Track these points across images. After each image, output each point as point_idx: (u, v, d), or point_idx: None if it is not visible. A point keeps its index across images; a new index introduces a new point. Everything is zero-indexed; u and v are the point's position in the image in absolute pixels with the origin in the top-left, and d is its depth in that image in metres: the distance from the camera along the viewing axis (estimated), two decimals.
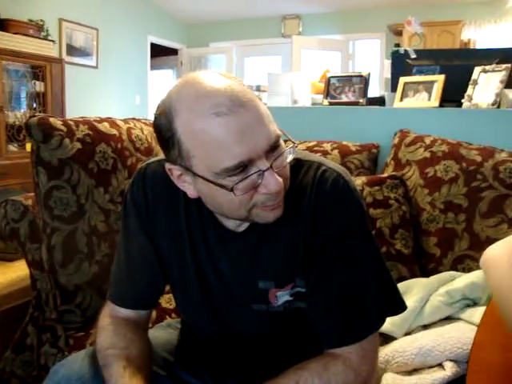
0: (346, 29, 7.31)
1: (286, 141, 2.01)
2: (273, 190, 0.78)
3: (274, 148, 0.79)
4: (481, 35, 6.52)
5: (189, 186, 0.86)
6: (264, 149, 0.77)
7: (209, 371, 1.07)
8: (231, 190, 0.77)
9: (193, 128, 0.76)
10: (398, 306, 0.93)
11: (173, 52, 8.47)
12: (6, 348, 1.55)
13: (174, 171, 0.85)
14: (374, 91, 2.48)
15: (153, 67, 7.81)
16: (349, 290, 0.88)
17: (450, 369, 1.14)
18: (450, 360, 1.17)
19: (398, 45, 6.37)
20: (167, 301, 1.57)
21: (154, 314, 1.51)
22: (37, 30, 4.75)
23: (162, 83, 8.62)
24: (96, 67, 6.22)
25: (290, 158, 0.83)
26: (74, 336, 1.41)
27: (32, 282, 1.54)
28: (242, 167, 0.76)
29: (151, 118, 0.98)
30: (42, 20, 4.92)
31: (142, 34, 7.28)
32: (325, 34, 7.32)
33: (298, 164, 0.93)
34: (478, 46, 6.41)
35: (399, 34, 6.58)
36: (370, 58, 7.31)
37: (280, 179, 0.79)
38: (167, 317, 1.47)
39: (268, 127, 0.78)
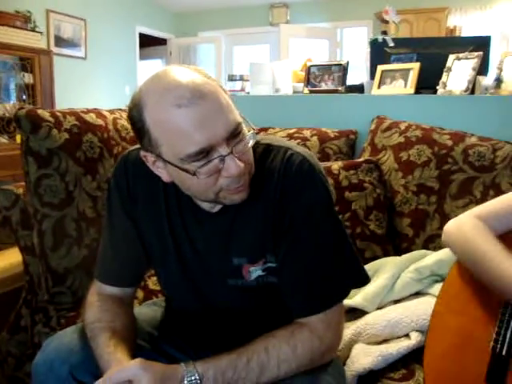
0: (334, 17, 7.35)
1: (267, 129, 2.07)
2: (234, 173, 0.86)
3: (234, 135, 0.86)
4: (466, 22, 6.58)
5: (162, 171, 0.93)
6: (223, 136, 0.84)
7: (190, 344, 1.14)
8: (194, 174, 0.85)
9: (159, 119, 0.84)
10: (361, 279, 1.01)
11: (162, 42, 8.48)
12: (1, 330, 1.63)
13: (149, 158, 0.93)
14: (361, 78, 2.53)
15: (142, 57, 7.83)
16: (314, 265, 0.96)
17: (415, 338, 1.23)
18: (416, 330, 1.26)
19: (384, 32, 6.41)
20: (154, 283, 1.66)
21: (141, 295, 1.60)
22: (24, 21, 4.76)
23: (151, 73, 8.61)
24: (85, 58, 6.24)
25: (251, 143, 0.90)
26: (66, 316, 1.49)
27: (25, 266, 1.61)
28: (204, 153, 0.84)
29: None
30: (28, 11, 4.92)
31: (131, 24, 7.29)
32: (312, 22, 7.37)
33: (267, 149, 1.00)
34: (464, 33, 6.48)
35: (386, 21, 6.59)
36: (358, 46, 7.35)
37: (241, 163, 0.86)
38: (154, 297, 1.54)
39: (227, 116, 0.85)
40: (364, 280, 1.02)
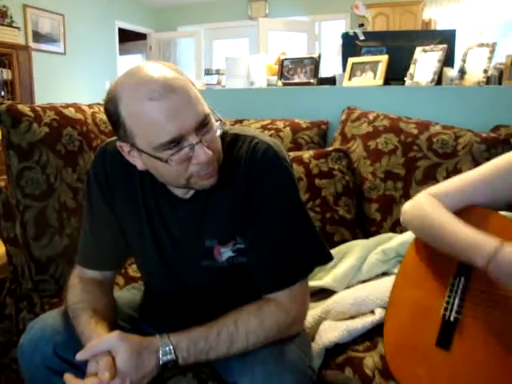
0: (312, 10, 7.43)
1: (242, 121, 2.15)
2: (203, 160, 0.93)
3: (203, 125, 0.93)
4: (441, 15, 6.70)
5: (137, 160, 1.00)
6: (193, 126, 0.92)
7: (167, 324, 1.21)
8: (166, 161, 0.93)
9: (133, 111, 0.91)
10: (324, 258, 1.10)
11: (141, 37, 8.49)
12: None
13: (124, 148, 1.00)
14: (337, 70, 2.62)
15: (122, 52, 7.83)
16: (280, 244, 1.04)
17: (379, 314, 1.32)
18: (381, 307, 1.34)
19: (362, 25, 6.52)
20: (134, 270, 1.73)
21: (121, 281, 1.67)
22: (0, 16, 4.75)
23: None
24: (64, 54, 6.24)
25: (218, 132, 0.98)
26: (50, 302, 1.55)
27: (8, 258, 1.67)
28: (175, 142, 0.91)
29: None
30: (4, 6, 4.90)
31: (110, 19, 7.28)
32: (291, 16, 7.43)
33: (235, 138, 1.08)
34: (439, 26, 6.60)
35: (369, 13, 6.73)
36: (336, 39, 7.43)
37: (209, 151, 0.94)
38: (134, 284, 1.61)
39: (196, 108, 0.92)
40: (326, 258, 1.10)
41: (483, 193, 1.08)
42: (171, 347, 0.94)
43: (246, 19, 7.79)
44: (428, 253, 1.13)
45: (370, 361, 1.21)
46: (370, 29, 6.28)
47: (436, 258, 1.10)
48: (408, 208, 1.17)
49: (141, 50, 8.98)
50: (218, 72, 2.53)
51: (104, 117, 1.83)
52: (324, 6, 7.34)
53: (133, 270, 1.73)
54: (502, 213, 1.41)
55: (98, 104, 1.92)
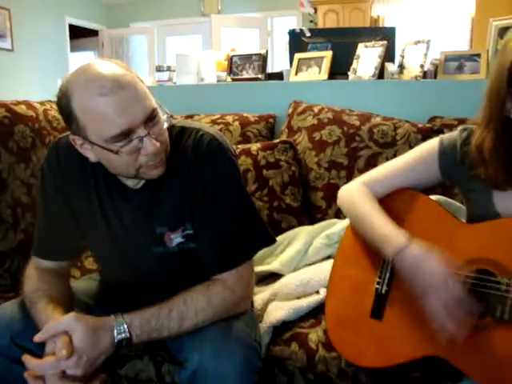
0: (264, 6, 7.51)
1: (192, 116, 2.21)
2: (151, 151, 1.00)
3: (150, 118, 1.00)
4: (389, 12, 6.92)
5: (89, 152, 1.06)
6: (141, 119, 0.98)
7: (122, 311, 1.27)
8: (117, 152, 0.99)
9: (85, 106, 0.97)
10: (267, 240, 1.19)
11: (93, 33, 8.36)
12: None
13: (77, 141, 1.05)
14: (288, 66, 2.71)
15: (73, 49, 7.71)
16: (225, 229, 1.12)
17: (323, 293, 1.41)
18: (325, 287, 1.44)
19: (313, 21, 6.67)
20: (90, 263, 1.77)
21: (78, 274, 1.71)
22: None
23: None
24: (11, 50, 6.10)
25: (165, 125, 1.05)
26: (5, 296, 1.57)
27: None
28: (125, 134, 0.98)
29: None
30: None
31: (59, 14, 7.15)
32: (243, 12, 7.50)
33: (182, 131, 1.16)
34: (386, 22, 6.82)
35: (314, 10, 6.87)
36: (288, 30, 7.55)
37: (157, 143, 1.01)
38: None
39: (144, 102, 0.99)
40: (269, 241, 1.19)
41: (408, 178, 1.18)
42: (125, 326, 1.00)
43: (198, 16, 7.80)
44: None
45: (315, 336, 1.30)
46: (320, 25, 6.43)
47: None
48: (341, 194, 1.27)
49: (93, 47, 8.84)
50: (169, 69, 2.58)
51: (56, 114, 1.86)
52: (275, 2, 7.43)
53: (89, 263, 1.77)
54: (433, 196, 1.53)
55: (50, 101, 1.95)
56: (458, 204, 1.53)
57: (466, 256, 1.02)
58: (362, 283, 1.18)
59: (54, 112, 1.86)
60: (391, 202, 1.19)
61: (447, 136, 1.14)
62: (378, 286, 1.14)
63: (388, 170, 1.21)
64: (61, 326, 0.97)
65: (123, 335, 1.00)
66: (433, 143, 1.15)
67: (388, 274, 1.13)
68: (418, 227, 1.14)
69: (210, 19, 7.10)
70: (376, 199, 1.18)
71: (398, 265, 1.06)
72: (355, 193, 1.21)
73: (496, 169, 0.99)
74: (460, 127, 1.13)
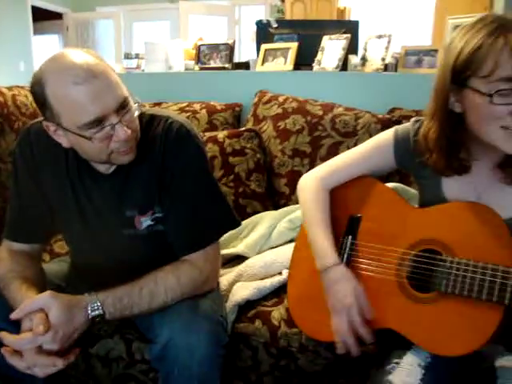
0: None
1: (160, 103, 2.26)
2: (122, 138, 1.05)
3: (122, 107, 1.05)
4: (355, 3, 7.03)
5: (62, 139, 1.10)
6: (113, 107, 1.03)
7: (94, 291, 1.32)
8: (90, 139, 1.04)
9: (59, 94, 1.01)
10: (233, 223, 1.26)
11: (57, 16, 8.19)
12: None
13: (50, 127, 1.09)
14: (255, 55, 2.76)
15: (36, 32, 7.54)
16: (192, 211, 1.18)
17: (285, 274, 1.49)
18: (287, 268, 1.52)
19: (281, 11, 6.72)
20: (59, 246, 1.80)
21: (47, 258, 1.74)
22: None
23: (47, 49, 8.31)
24: None
25: (136, 113, 1.09)
26: None
27: None
28: (98, 122, 1.02)
29: None
30: None
31: None
32: (211, 0, 7.49)
33: (151, 119, 1.21)
34: (353, 13, 6.93)
35: (281, 1, 6.91)
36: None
37: (128, 130, 1.05)
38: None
39: (116, 91, 1.04)
40: (235, 223, 1.26)
41: (365, 166, 1.26)
42: (99, 303, 1.06)
43: (166, 2, 7.74)
44: None
45: (277, 313, 1.38)
46: (287, 14, 6.48)
47: None
48: (300, 185, 1.33)
49: (57, 31, 8.66)
50: (137, 56, 2.60)
51: (24, 99, 1.88)
52: None
53: (58, 247, 1.80)
54: (390, 184, 1.63)
55: (18, 87, 1.95)
56: (413, 191, 1.62)
57: (417, 237, 1.11)
58: None
59: (22, 98, 1.87)
60: (350, 188, 1.27)
61: (401, 127, 1.22)
62: None
63: (346, 160, 1.29)
64: (37, 304, 1.01)
65: (97, 312, 1.05)
66: (388, 134, 1.23)
67: (346, 255, 1.21)
68: (374, 211, 1.22)
69: (178, 5, 7.06)
70: (327, 200, 1.26)
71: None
72: (309, 191, 1.28)
73: (438, 157, 1.07)
74: (413, 119, 1.21)
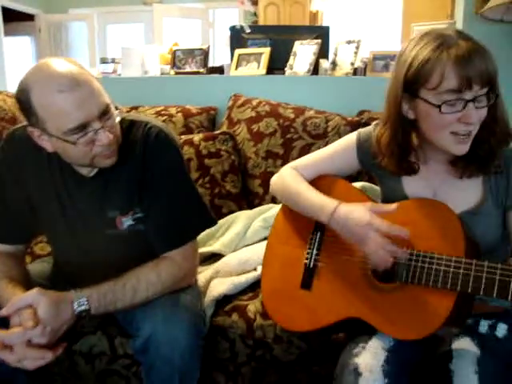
0: None
1: (137, 107, 2.32)
2: (105, 142, 1.12)
3: (104, 113, 1.12)
4: (327, 7, 7.16)
5: (47, 143, 1.16)
6: (96, 114, 1.10)
7: None
8: (74, 143, 1.10)
9: (44, 102, 1.07)
10: (210, 222, 1.34)
11: (29, 18, 8.10)
12: None
13: (35, 133, 1.15)
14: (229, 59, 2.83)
15: (7, 33, 7.42)
16: (171, 211, 1.25)
17: (260, 270, 1.56)
18: (262, 265, 1.59)
19: (254, 14, 6.80)
20: (40, 248, 1.85)
21: (29, 259, 1.77)
22: None
23: (19, 51, 8.21)
24: None
25: (117, 119, 1.16)
26: None
27: None
28: (81, 127, 1.09)
29: (10, 86, 1.26)
30: None
31: None
32: (185, 2, 7.51)
33: (131, 124, 1.27)
34: (325, 17, 7.06)
35: (255, 3, 7.00)
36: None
37: (110, 135, 1.12)
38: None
39: (99, 99, 1.10)
40: (211, 222, 1.33)
41: (331, 166, 1.34)
42: (84, 299, 1.12)
43: (140, 4, 7.73)
44: (292, 216, 1.37)
45: (253, 307, 1.46)
46: (261, 18, 6.57)
47: (298, 219, 1.35)
48: (274, 180, 1.42)
49: (29, 32, 8.54)
50: (113, 61, 2.65)
51: (3, 104, 1.92)
52: None
53: (39, 249, 1.85)
54: (359, 183, 1.72)
55: None
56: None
57: None
58: (292, 259, 1.33)
59: (1, 103, 1.91)
60: (317, 186, 1.34)
61: (364, 130, 1.32)
62: (306, 261, 1.30)
63: (315, 158, 1.38)
64: (26, 300, 1.07)
65: (83, 307, 1.11)
66: (352, 136, 1.33)
67: (315, 250, 1.30)
68: None
69: (152, 8, 7.08)
70: (305, 179, 1.34)
71: (334, 226, 1.19)
72: (286, 176, 1.36)
73: (389, 160, 1.18)
74: (374, 122, 1.30)
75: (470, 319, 1.18)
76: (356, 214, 1.15)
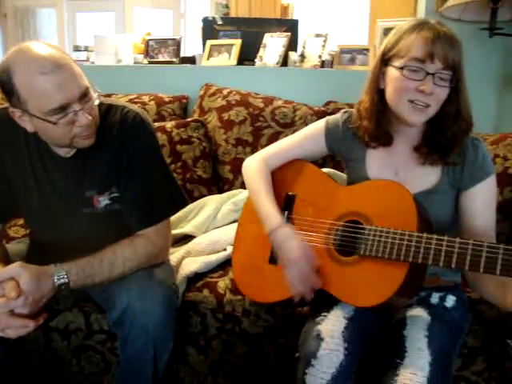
0: None
1: (111, 95, 2.37)
2: (84, 123, 1.18)
3: (84, 95, 1.18)
4: (298, 0, 7.24)
5: (27, 124, 1.21)
6: (77, 96, 1.16)
7: None
8: (55, 123, 1.16)
9: (26, 83, 1.12)
10: (182, 202, 1.42)
11: None
12: None
13: (16, 113, 1.20)
14: (200, 50, 2.88)
15: None
16: (146, 192, 1.33)
17: (229, 250, 1.65)
18: (231, 245, 1.67)
19: (226, 6, 6.84)
20: (14, 231, 1.89)
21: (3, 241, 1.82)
22: None
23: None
24: None
25: (96, 102, 1.23)
26: None
27: None
28: (62, 108, 1.14)
29: None
30: None
31: None
32: None
33: (109, 107, 1.34)
34: (296, 10, 7.15)
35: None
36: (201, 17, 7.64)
37: (89, 116, 1.19)
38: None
39: (79, 81, 1.17)
40: (183, 202, 1.41)
41: (300, 151, 1.44)
42: (64, 273, 1.18)
43: None
44: None
45: (223, 283, 1.55)
46: (232, 9, 6.61)
47: None
48: (244, 165, 1.49)
49: None
50: (86, 49, 2.68)
51: None
52: None
53: (13, 232, 1.89)
54: (325, 169, 1.82)
55: None
56: (344, 176, 1.82)
57: (343, 210, 1.29)
58: (261, 237, 1.40)
59: None
60: (286, 170, 1.44)
61: (332, 117, 1.42)
62: None
63: (284, 146, 1.47)
64: (8, 273, 1.12)
65: (62, 280, 1.17)
66: (320, 123, 1.43)
67: None
68: (307, 189, 1.40)
69: None
70: (269, 176, 1.43)
71: (271, 240, 1.32)
72: (253, 169, 1.44)
73: (367, 123, 1.30)
74: (342, 110, 1.42)
75: (423, 292, 1.29)
76: (293, 243, 1.27)
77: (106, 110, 1.32)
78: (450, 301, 1.28)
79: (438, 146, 1.25)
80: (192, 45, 6.68)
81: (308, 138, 1.44)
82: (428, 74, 1.15)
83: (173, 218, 1.46)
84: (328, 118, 1.43)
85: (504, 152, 1.74)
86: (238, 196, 1.91)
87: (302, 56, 2.59)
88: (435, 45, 1.15)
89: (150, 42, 2.60)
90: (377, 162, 1.34)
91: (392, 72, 1.21)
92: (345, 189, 1.36)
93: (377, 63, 1.27)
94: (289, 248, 1.27)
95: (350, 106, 2.14)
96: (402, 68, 1.18)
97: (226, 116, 2.19)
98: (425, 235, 1.11)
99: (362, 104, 1.33)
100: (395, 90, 1.21)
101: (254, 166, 1.45)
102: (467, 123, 1.24)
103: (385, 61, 1.24)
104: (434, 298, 1.29)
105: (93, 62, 2.71)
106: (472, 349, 1.40)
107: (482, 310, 1.41)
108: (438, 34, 1.15)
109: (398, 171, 1.31)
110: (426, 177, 1.29)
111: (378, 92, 1.28)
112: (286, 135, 2.08)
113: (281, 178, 1.44)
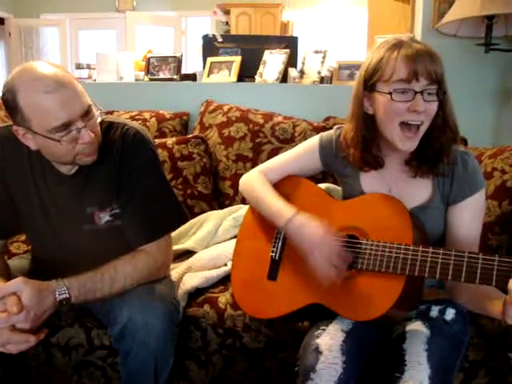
0: (178, 5, 7.63)
1: (112, 112, 2.41)
2: (87, 141, 1.20)
3: (87, 113, 1.20)
4: (297, 17, 7.34)
5: (31, 142, 1.23)
6: (79, 114, 1.18)
7: None
8: (58, 141, 1.18)
9: (30, 101, 1.15)
10: (183, 218, 1.42)
11: None
12: None
13: (20, 131, 1.22)
14: (201, 67, 2.92)
15: None
16: (146, 207, 1.34)
17: (230, 265, 1.65)
18: (232, 260, 1.69)
19: (226, 23, 6.92)
20: (16, 247, 1.91)
21: (5, 257, 1.83)
22: None
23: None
24: None
25: (99, 119, 1.25)
26: None
27: None
28: (65, 126, 1.17)
29: None
30: None
31: None
32: (158, 10, 7.59)
33: (110, 125, 1.36)
34: (296, 27, 7.24)
35: (227, 12, 7.12)
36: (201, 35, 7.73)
37: (92, 134, 1.21)
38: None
39: (82, 100, 1.19)
40: (184, 218, 1.42)
41: (296, 167, 1.45)
42: (65, 288, 1.18)
43: (113, 11, 7.77)
44: (259, 213, 1.47)
45: (223, 298, 1.56)
46: (232, 26, 6.69)
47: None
48: (242, 180, 1.51)
49: None
50: (88, 66, 2.72)
51: None
52: (190, 2, 7.58)
53: (14, 248, 1.90)
54: (323, 184, 1.83)
55: None
56: None
57: (339, 225, 1.30)
58: (259, 253, 1.43)
59: None
60: (282, 185, 1.45)
61: (326, 133, 1.43)
62: (272, 254, 1.40)
63: (281, 161, 1.48)
64: (10, 288, 1.13)
65: (63, 296, 1.18)
66: (315, 140, 1.44)
67: (280, 244, 1.40)
68: (304, 205, 1.39)
69: (125, 16, 7.13)
70: (270, 183, 1.45)
71: (288, 232, 1.31)
72: (254, 179, 1.46)
73: (355, 152, 1.30)
74: (335, 126, 1.43)
75: (423, 305, 1.30)
76: (312, 225, 1.26)
77: (107, 128, 1.35)
78: (450, 314, 1.28)
79: (427, 158, 1.26)
80: (192, 62, 6.77)
81: (303, 153, 1.46)
82: (416, 92, 1.15)
83: (174, 233, 1.47)
84: (322, 134, 1.45)
85: (502, 165, 1.75)
86: (239, 211, 1.93)
87: (302, 72, 2.62)
88: (417, 63, 1.15)
89: (151, 60, 2.64)
90: (370, 180, 1.36)
91: (380, 98, 1.20)
92: (340, 203, 1.38)
93: (359, 90, 1.25)
94: (308, 231, 1.25)
95: None
96: (390, 93, 1.17)
97: (226, 132, 2.22)
98: (421, 248, 1.13)
99: (346, 133, 1.33)
100: (387, 114, 1.20)
101: (255, 178, 1.47)
102: (453, 131, 1.25)
103: (369, 87, 1.23)
104: (434, 311, 1.29)
105: (95, 80, 2.75)
106: (474, 363, 1.40)
107: (483, 323, 1.41)
108: (417, 52, 1.15)
109: (391, 188, 1.32)
110: (419, 192, 1.30)
111: (363, 119, 1.27)
112: (286, 150, 2.13)
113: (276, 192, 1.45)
